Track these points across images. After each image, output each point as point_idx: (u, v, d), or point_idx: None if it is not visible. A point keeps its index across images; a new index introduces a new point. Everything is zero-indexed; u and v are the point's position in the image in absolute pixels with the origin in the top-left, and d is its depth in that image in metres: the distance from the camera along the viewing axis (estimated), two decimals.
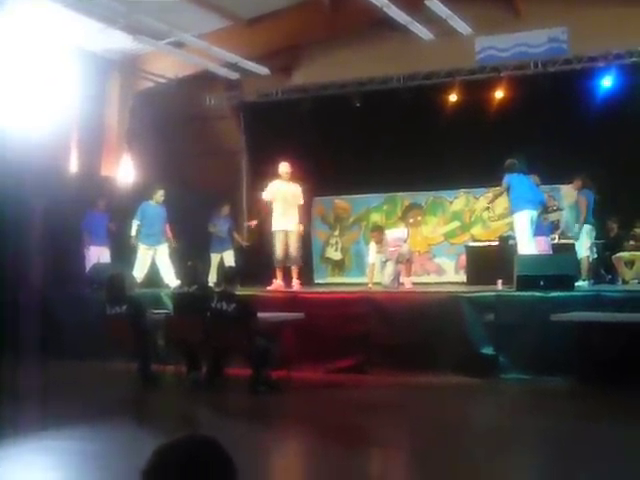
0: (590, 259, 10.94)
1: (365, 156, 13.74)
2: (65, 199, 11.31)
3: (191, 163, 15.40)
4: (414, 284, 11.58)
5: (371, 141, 13.97)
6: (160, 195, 11.67)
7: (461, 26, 12.50)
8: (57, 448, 5.73)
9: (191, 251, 11.60)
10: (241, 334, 7.82)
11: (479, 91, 13.47)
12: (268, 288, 10.91)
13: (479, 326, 8.71)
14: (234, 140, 16.03)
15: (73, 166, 13.72)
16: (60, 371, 8.81)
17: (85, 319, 9.70)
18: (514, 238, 10.61)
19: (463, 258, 13.58)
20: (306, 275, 13.10)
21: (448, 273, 14.66)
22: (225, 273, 9.25)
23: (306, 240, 12.23)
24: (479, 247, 13.23)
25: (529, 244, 9.96)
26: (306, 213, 12.78)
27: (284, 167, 11.16)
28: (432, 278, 14.56)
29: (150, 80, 14.87)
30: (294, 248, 11.08)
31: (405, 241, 11.88)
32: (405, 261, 11.49)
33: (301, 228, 11.31)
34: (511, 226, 11.15)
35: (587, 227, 10.80)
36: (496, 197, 11.17)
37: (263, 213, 11.48)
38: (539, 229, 10.43)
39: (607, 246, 11.99)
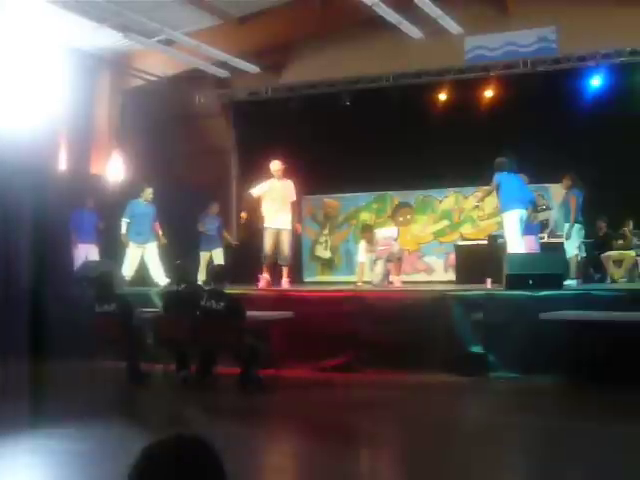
0: (579, 258, 10.96)
1: (354, 155, 13.72)
2: (54, 197, 11.25)
3: (180, 161, 15.37)
4: (403, 283, 11.60)
5: (361, 140, 13.93)
6: (149, 193, 11.66)
7: (451, 25, 12.51)
8: (45, 447, 5.69)
9: (180, 249, 11.60)
10: (230, 333, 7.81)
11: (469, 90, 13.55)
12: (257, 286, 10.88)
13: (468, 325, 8.73)
14: (224, 138, 16.02)
15: (62, 164, 13.65)
16: (48, 369, 8.78)
17: (74, 317, 9.64)
18: (503, 237, 10.63)
19: (452, 257, 13.58)
20: (295, 274, 13.12)
21: (437, 272, 14.68)
22: (214, 272, 9.22)
23: (295, 238, 12.20)
24: (468, 246, 13.23)
25: (518, 243, 9.97)
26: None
27: (275, 165, 11.08)
28: (421, 277, 14.60)
29: (140, 78, 14.80)
30: (285, 247, 11.04)
31: (396, 240, 11.86)
32: (396, 260, 11.50)
33: (298, 227, 11.31)
34: (500, 225, 11.15)
35: (576, 226, 10.80)
36: (485, 196, 11.16)
37: (250, 208, 11.40)
38: (528, 228, 10.45)
39: (596, 245, 12.02)
